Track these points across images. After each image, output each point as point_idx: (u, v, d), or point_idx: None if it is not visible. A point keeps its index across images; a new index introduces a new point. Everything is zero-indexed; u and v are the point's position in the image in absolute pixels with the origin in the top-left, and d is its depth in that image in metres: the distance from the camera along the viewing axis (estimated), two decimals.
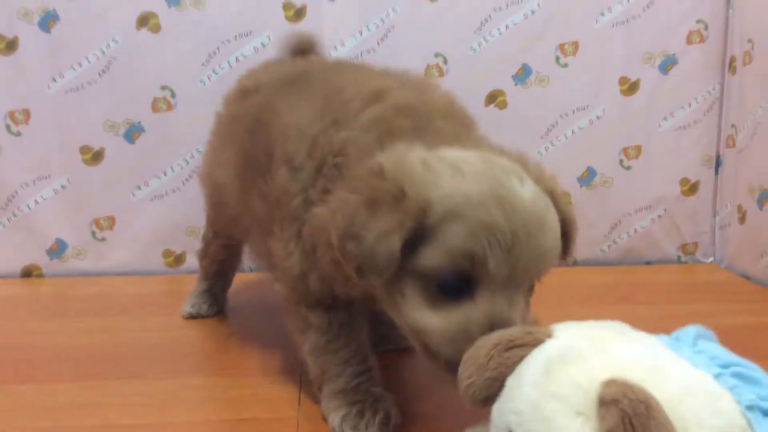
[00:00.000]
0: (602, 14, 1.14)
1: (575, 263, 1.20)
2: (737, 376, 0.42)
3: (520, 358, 0.45)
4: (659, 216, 1.20)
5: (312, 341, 0.63)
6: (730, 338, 0.79)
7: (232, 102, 0.81)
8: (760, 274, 1.07)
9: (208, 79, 1.08)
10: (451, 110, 0.63)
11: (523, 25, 1.13)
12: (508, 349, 0.46)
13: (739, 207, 1.14)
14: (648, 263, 1.21)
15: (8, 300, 0.99)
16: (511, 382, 0.44)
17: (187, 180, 1.10)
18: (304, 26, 1.09)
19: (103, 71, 1.07)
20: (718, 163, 1.20)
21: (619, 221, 1.20)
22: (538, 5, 1.13)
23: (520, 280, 0.52)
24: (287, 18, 1.09)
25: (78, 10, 1.05)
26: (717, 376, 0.41)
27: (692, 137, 1.19)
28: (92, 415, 0.63)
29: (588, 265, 1.20)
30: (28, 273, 1.11)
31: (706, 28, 1.16)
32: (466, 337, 0.50)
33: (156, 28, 1.07)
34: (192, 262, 1.14)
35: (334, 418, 0.60)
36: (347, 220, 0.52)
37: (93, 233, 1.11)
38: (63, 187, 1.10)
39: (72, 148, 1.09)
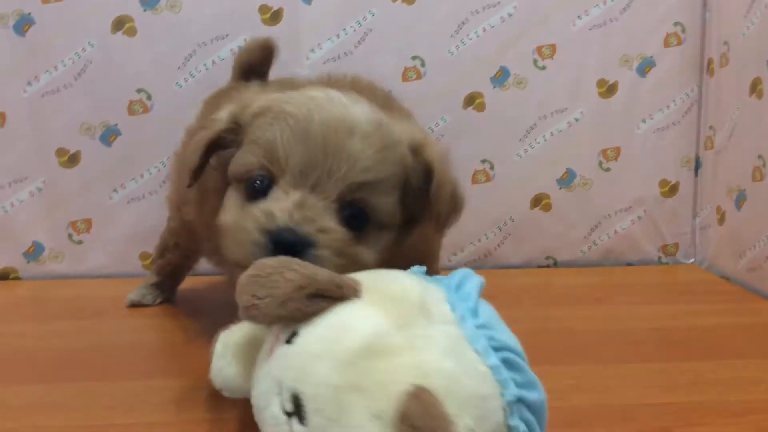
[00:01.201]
0: (579, 17, 1.15)
1: (555, 264, 1.20)
2: (506, 362, 0.44)
3: (322, 310, 0.44)
4: (639, 217, 1.20)
5: None
6: (710, 338, 0.80)
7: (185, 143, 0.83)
8: (740, 275, 1.07)
9: (185, 81, 1.08)
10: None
11: (501, 27, 1.13)
12: (311, 296, 0.44)
13: (718, 208, 1.14)
14: (629, 264, 1.21)
15: None
16: (304, 334, 0.44)
17: (163, 182, 1.09)
18: (280, 29, 1.09)
19: (79, 74, 1.07)
20: (697, 165, 1.21)
21: (599, 223, 1.20)
22: (515, 8, 1.13)
23: (317, 180, 0.51)
24: (263, 21, 1.09)
25: (53, 14, 1.05)
26: (493, 368, 0.43)
27: (671, 139, 1.19)
28: (56, 417, 0.62)
29: (568, 266, 1.20)
30: (4, 276, 1.10)
31: (683, 31, 1.16)
32: (242, 231, 0.51)
33: (132, 32, 1.07)
34: None
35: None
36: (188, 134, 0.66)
37: (70, 236, 1.11)
38: (39, 189, 1.09)
39: (48, 150, 1.08)
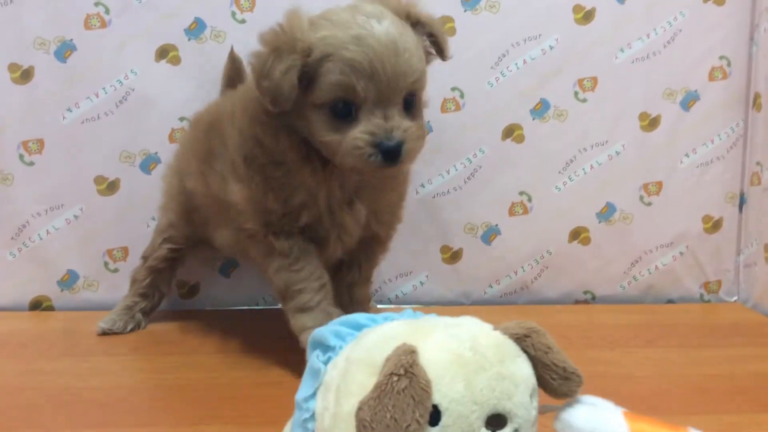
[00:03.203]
0: (622, 50, 1.13)
1: (593, 299, 1.18)
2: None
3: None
4: (681, 253, 1.18)
5: (277, 263, 0.81)
6: (766, 385, 0.77)
7: (189, 131, 1.00)
8: None
9: None
10: None
11: (541, 60, 1.12)
12: None
13: (766, 246, 1.11)
14: (670, 301, 1.19)
15: (15, 336, 0.96)
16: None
17: None
18: None
19: (120, 102, 1.06)
20: (742, 201, 1.18)
21: (640, 258, 1.18)
22: (557, 41, 1.12)
23: (389, 95, 0.72)
24: None
25: (96, 41, 1.04)
26: None
27: (715, 174, 1.17)
28: None
29: (608, 302, 1.17)
30: (37, 305, 1.09)
31: (729, 65, 1.14)
32: (357, 148, 0.72)
33: (176, 60, 1.06)
34: (206, 293, 1.13)
35: (304, 336, 0.75)
36: (260, 66, 0.73)
37: (105, 264, 1.10)
38: (76, 217, 1.08)
39: (86, 178, 1.07)
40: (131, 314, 0.98)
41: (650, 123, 1.15)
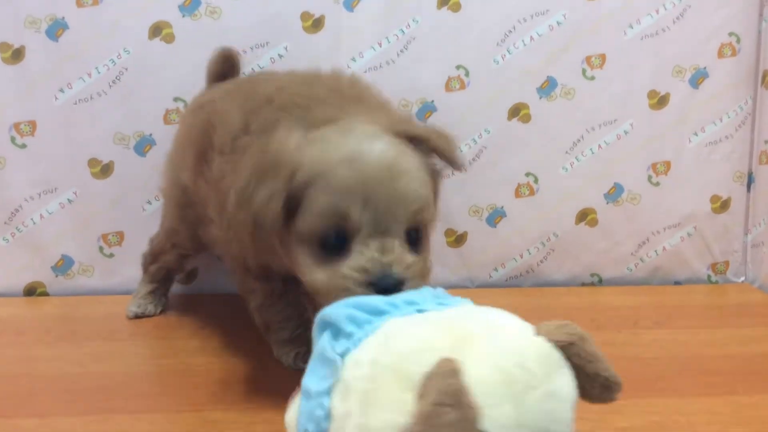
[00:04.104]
0: (631, 26, 1.10)
1: (600, 281, 1.16)
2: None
3: None
4: (689, 234, 1.16)
5: (257, 301, 0.77)
6: None
7: (189, 115, 0.93)
8: None
9: None
10: (332, 96, 0.72)
11: (549, 36, 1.09)
12: None
13: None
14: (677, 282, 1.17)
15: (10, 322, 0.93)
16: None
17: None
18: (322, 37, 1.05)
19: (114, 82, 1.03)
20: (750, 180, 1.16)
21: (647, 239, 1.16)
22: (564, 17, 1.09)
23: (387, 224, 0.60)
24: (305, 28, 1.05)
25: (88, 19, 1.01)
26: None
27: (723, 153, 1.14)
28: None
29: (615, 284, 1.15)
30: (31, 291, 1.06)
31: (738, 41, 1.12)
32: (345, 290, 0.58)
33: (170, 38, 1.03)
34: (204, 279, 1.10)
35: (288, 358, 0.76)
36: (241, 192, 0.62)
37: (101, 249, 1.07)
38: (70, 201, 1.05)
39: (80, 161, 1.04)
40: (158, 297, 0.98)
41: (659, 101, 1.12)
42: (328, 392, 0.44)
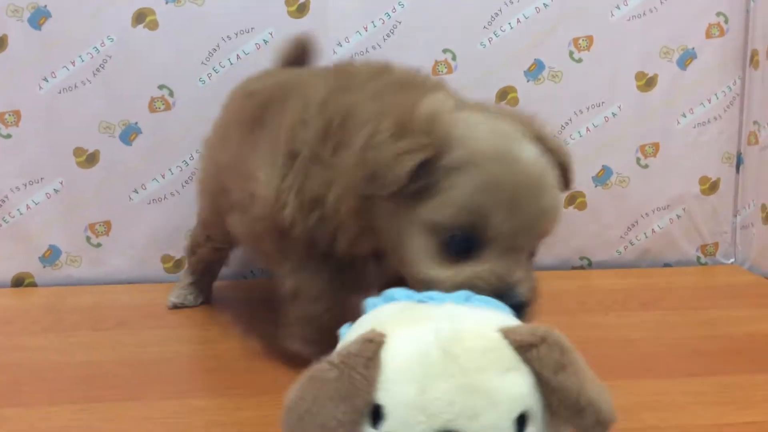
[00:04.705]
0: (618, 7, 1.10)
1: (590, 265, 1.16)
2: None
3: None
4: (678, 216, 1.16)
5: (294, 262, 0.67)
6: (763, 346, 0.76)
7: (236, 100, 0.86)
8: None
9: (208, 77, 1.03)
10: (441, 84, 0.68)
11: (535, 18, 1.08)
12: None
13: (763, 206, 1.10)
14: (666, 265, 1.17)
15: None
16: None
17: (186, 182, 1.05)
18: (307, 22, 1.04)
19: (98, 70, 1.02)
20: (739, 161, 1.16)
21: (636, 222, 1.16)
22: None
23: (524, 239, 0.54)
24: (290, 13, 1.04)
25: (71, 7, 1.00)
26: None
27: (712, 134, 1.14)
28: None
29: (604, 267, 1.15)
30: (19, 281, 1.06)
31: (726, 22, 1.11)
32: (473, 291, 0.51)
33: (153, 25, 1.01)
34: None
35: (293, 341, 0.69)
36: (370, 132, 0.54)
37: (88, 239, 1.06)
38: (56, 191, 1.04)
39: (65, 150, 1.03)
40: (200, 288, 0.95)
41: (647, 83, 1.12)
42: None
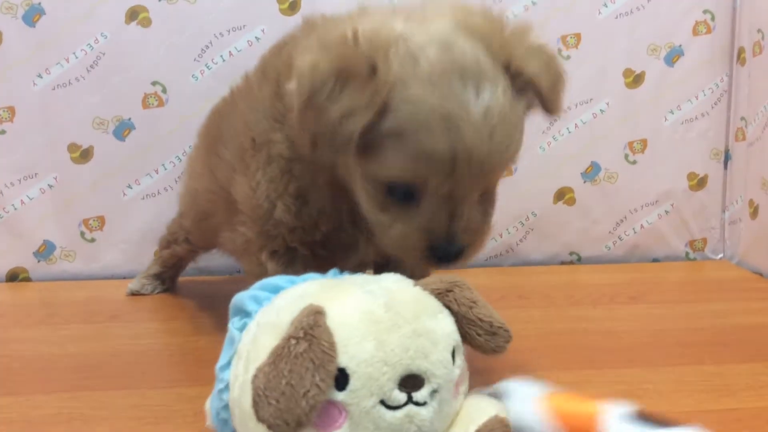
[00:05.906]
0: (605, 5, 1.11)
1: (579, 260, 1.17)
2: None
3: None
4: (666, 211, 1.17)
5: (272, 248, 0.65)
6: (759, 337, 0.77)
7: (204, 124, 0.85)
8: None
9: (201, 74, 1.04)
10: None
11: (523, 16, 1.09)
12: None
13: (751, 201, 1.11)
14: (655, 260, 1.18)
15: None
16: None
17: (179, 178, 1.06)
18: (298, 19, 1.03)
19: (92, 67, 1.03)
20: (726, 157, 1.17)
21: (625, 217, 1.17)
22: None
23: (464, 194, 0.53)
24: (281, 11, 1.05)
25: (65, 4, 1.01)
26: None
27: (700, 131, 1.15)
28: (80, 430, 0.59)
29: (593, 262, 1.16)
30: (14, 276, 1.07)
31: (712, 19, 1.12)
32: (406, 243, 0.55)
33: (146, 22, 1.03)
34: None
35: None
36: (314, 87, 0.50)
37: (82, 234, 1.07)
38: (50, 186, 1.05)
39: (59, 146, 1.04)
40: (162, 279, 0.98)
41: (634, 80, 1.13)
42: (227, 366, 0.46)
